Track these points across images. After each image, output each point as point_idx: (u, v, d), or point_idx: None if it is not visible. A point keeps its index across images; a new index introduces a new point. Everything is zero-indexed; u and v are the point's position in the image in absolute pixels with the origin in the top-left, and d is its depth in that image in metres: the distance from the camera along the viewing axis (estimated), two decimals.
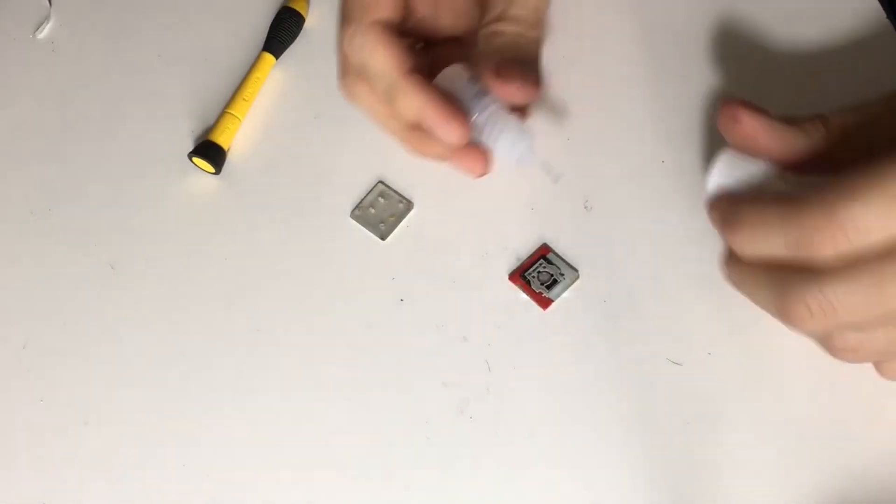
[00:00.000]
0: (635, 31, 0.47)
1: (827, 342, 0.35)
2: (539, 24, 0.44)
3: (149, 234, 0.46)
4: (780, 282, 0.33)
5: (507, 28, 0.43)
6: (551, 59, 0.46)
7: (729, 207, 0.36)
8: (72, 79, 0.50)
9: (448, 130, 0.40)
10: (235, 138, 0.47)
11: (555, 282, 0.42)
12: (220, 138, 0.46)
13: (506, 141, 0.41)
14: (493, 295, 0.42)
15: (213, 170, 0.46)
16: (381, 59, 0.40)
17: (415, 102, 0.40)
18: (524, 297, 0.42)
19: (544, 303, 0.42)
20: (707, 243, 0.40)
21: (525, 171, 0.43)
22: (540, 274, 0.42)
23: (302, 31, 0.49)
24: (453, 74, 0.41)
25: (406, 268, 0.43)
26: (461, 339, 0.41)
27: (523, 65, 0.42)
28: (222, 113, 0.47)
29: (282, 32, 0.49)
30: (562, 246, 0.43)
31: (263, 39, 0.49)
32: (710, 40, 0.46)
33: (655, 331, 0.40)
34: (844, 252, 0.31)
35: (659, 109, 0.45)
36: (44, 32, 0.52)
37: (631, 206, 0.42)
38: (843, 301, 0.32)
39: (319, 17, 0.50)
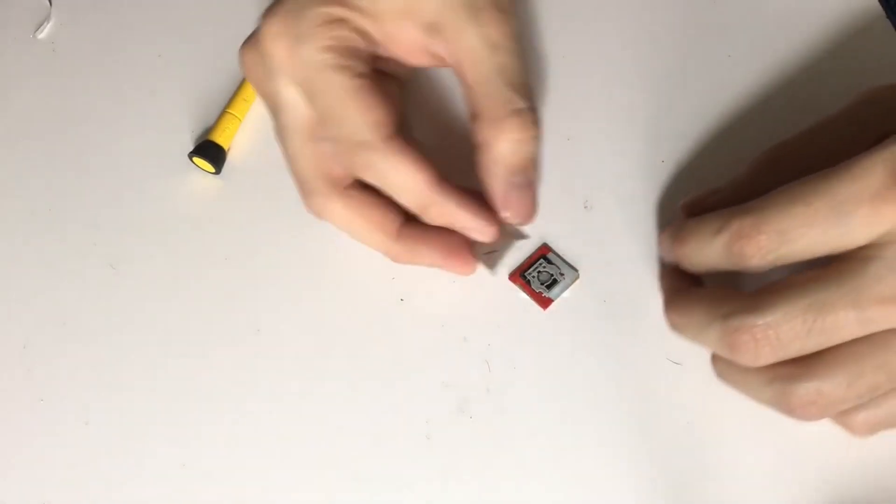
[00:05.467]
0: (636, 30, 0.47)
1: (783, 400, 0.34)
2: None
3: (149, 234, 0.46)
4: (726, 319, 0.34)
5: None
6: (552, 57, 0.46)
7: (677, 224, 0.37)
8: (72, 79, 0.50)
9: (485, 234, 0.39)
10: (235, 138, 0.47)
11: (555, 282, 0.42)
12: (220, 138, 0.46)
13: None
14: (493, 295, 0.42)
15: (213, 170, 0.46)
16: (409, 179, 0.37)
17: (452, 211, 0.38)
18: (524, 296, 0.42)
19: (544, 303, 0.42)
20: None
21: None
22: (540, 274, 0.42)
23: None
24: None
25: (406, 268, 0.43)
26: (461, 339, 0.41)
27: (530, 185, 0.39)
28: (222, 113, 0.47)
29: None
30: (562, 246, 0.43)
31: None
32: (710, 40, 0.46)
33: (655, 331, 0.40)
34: (770, 259, 0.33)
35: (659, 109, 0.45)
36: (44, 32, 0.52)
37: (631, 206, 0.42)
38: (783, 323, 0.32)
39: None
